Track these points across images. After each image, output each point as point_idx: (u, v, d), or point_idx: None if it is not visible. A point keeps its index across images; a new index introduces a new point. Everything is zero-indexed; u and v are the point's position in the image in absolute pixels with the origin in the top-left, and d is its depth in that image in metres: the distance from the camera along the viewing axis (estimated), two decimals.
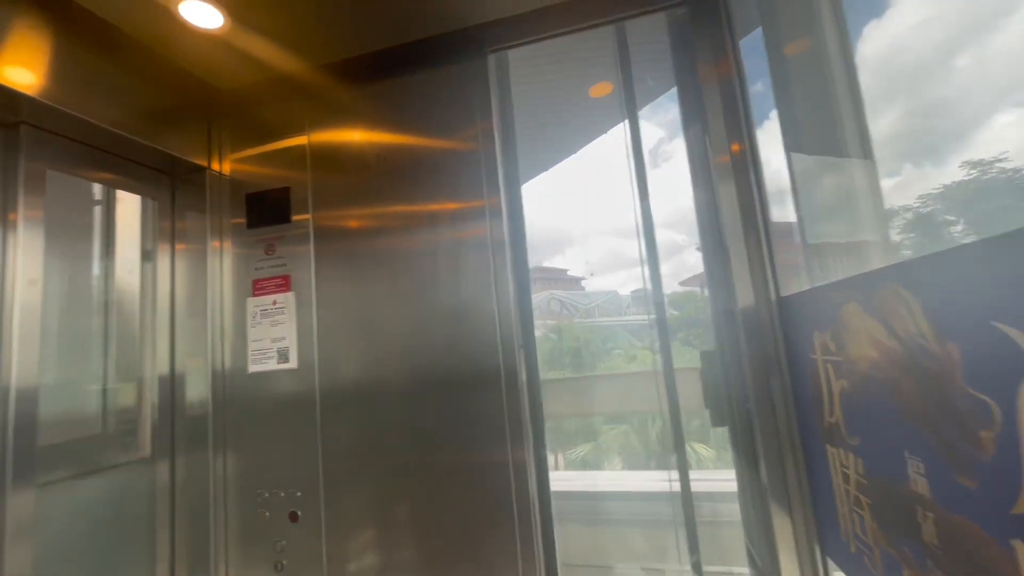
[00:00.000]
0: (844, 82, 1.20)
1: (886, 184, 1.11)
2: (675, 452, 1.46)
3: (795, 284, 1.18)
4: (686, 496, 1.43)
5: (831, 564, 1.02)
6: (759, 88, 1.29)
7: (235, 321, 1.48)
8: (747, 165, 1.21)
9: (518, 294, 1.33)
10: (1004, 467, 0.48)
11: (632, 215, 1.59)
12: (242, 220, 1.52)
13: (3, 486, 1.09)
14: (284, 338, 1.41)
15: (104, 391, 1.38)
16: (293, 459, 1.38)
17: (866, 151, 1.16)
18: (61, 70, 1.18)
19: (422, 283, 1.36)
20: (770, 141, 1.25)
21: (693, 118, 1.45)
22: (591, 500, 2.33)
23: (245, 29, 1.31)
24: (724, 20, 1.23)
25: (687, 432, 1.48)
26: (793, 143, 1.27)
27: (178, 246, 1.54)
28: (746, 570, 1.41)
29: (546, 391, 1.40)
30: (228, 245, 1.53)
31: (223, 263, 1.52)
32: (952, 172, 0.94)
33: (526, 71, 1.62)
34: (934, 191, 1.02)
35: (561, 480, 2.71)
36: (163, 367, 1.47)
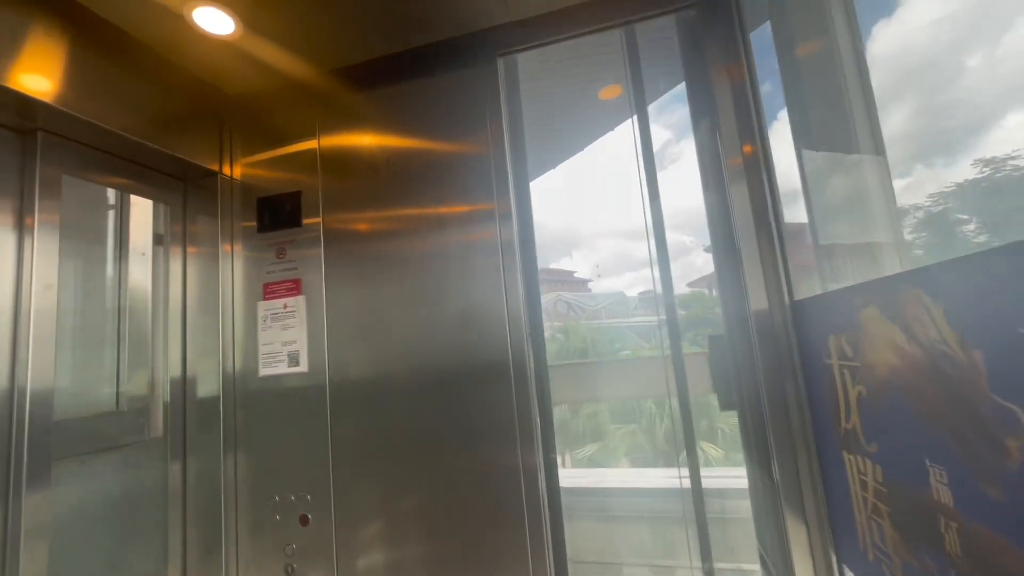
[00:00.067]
0: (856, 81, 1.19)
1: (898, 184, 1.10)
2: (686, 447, 1.45)
3: (806, 284, 1.17)
4: (696, 492, 1.42)
5: (847, 572, 1.00)
6: (767, 88, 1.28)
7: (246, 324, 1.49)
8: (760, 167, 1.20)
9: (527, 296, 1.33)
10: None
11: (639, 217, 1.59)
12: (253, 224, 1.53)
13: (19, 491, 1.10)
14: (295, 341, 1.42)
15: (117, 394, 1.39)
16: (304, 462, 1.38)
17: (878, 150, 1.15)
18: (76, 77, 1.19)
19: (432, 286, 1.36)
20: (778, 141, 1.24)
21: (704, 119, 1.44)
22: (600, 496, 2.33)
23: (256, 35, 1.32)
24: (736, 21, 1.22)
25: (684, 434, 1.46)
26: (803, 143, 1.26)
27: (190, 250, 1.55)
28: (755, 567, 1.40)
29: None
30: (239, 249, 1.54)
31: (234, 267, 1.53)
32: (964, 170, 0.92)
33: (535, 73, 1.62)
34: (946, 190, 1.00)
35: (570, 477, 2.70)
36: (175, 370, 1.48)
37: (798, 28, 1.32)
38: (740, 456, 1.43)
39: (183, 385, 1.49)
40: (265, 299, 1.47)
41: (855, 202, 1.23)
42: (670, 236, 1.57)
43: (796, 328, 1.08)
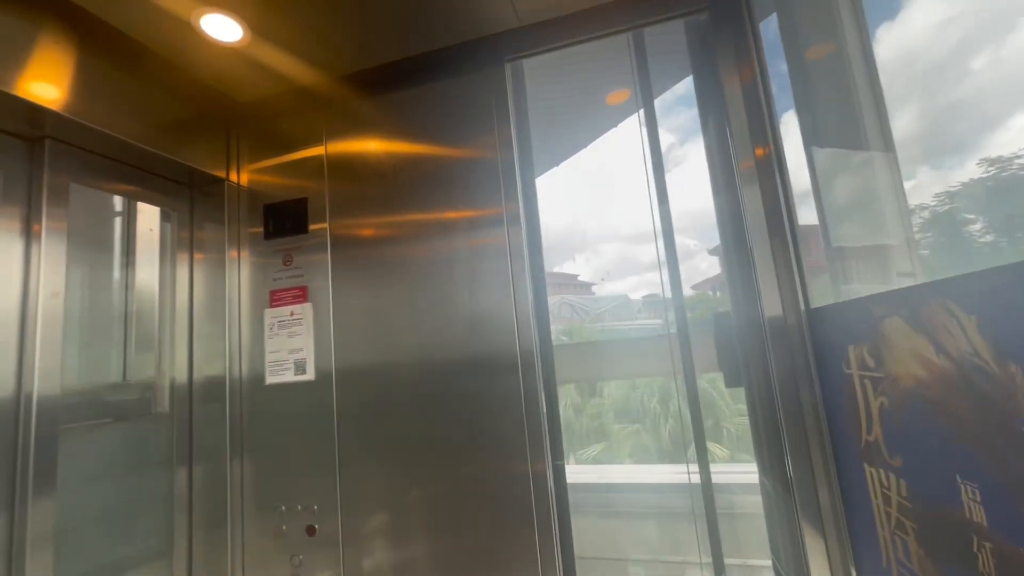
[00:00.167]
0: (865, 83, 1.17)
1: (907, 185, 1.08)
2: (695, 443, 1.43)
3: (818, 286, 1.14)
4: (707, 487, 1.39)
5: None
6: (774, 88, 1.27)
7: (253, 331, 1.48)
8: (773, 170, 1.18)
9: (536, 301, 1.31)
10: None
11: (644, 221, 1.58)
12: (260, 230, 1.52)
13: (25, 498, 1.09)
14: (301, 349, 1.41)
15: (124, 401, 1.38)
16: (310, 472, 1.37)
17: (889, 155, 1.14)
18: (84, 84, 1.19)
19: (440, 291, 1.35)
20: (786, 141, 1.23)
21: (713, 122, 1.42)
22: (607, 492, 2.31)
23: (264, 41, 1.32)
24: (748, 25, 1.20)
25: (690, 431, 1.45)
26: (813, 143, 1.25)
27: (196, 256, 1.54)
28: (762, 562, 1.37)
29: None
30: (246, 255, 1.53)
31: (241, 273, 1.52)
32: (970, 170, 0.91)
33: (543, 78, 1.61)
34: (951, 189, 0.99)
35: (577, 473, 2.69)
36: (182, 377, 1.47)
37: (805, 29, 1.31)
38: (745, 455, 1.41)
39: (189, 392, 1.48)
40: (272, 306, 1.46)
41: (866, 203, 1.21)
42: (664, 240, 1.56)
43: (812, 336, 1.06)
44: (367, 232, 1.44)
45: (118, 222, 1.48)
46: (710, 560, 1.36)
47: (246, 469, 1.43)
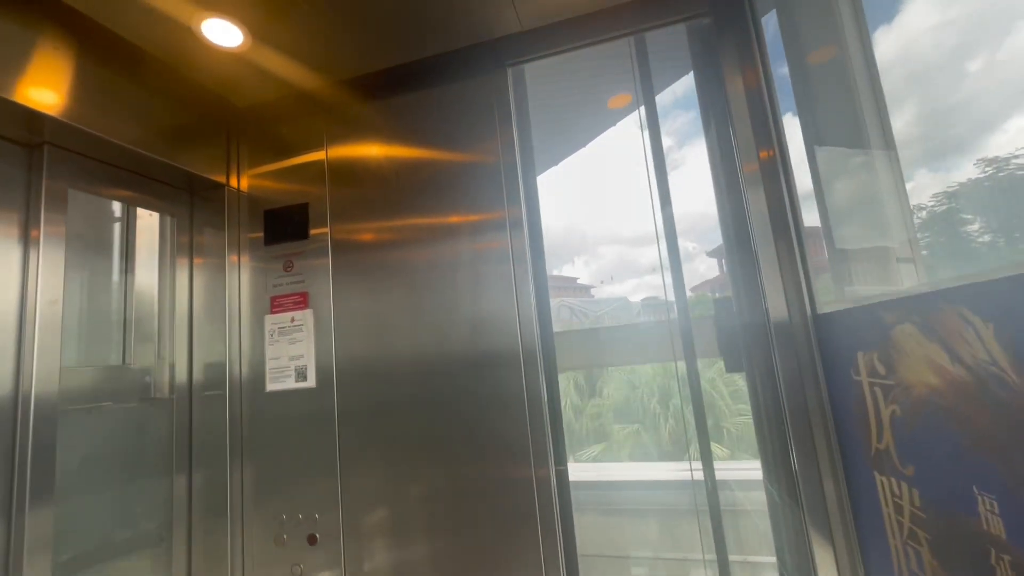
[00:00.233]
0: (866, 84, 1.17)
1: (908, 186, 1.08)
2: (699, 443, 1.42)
3: (820, 287, 1.13)
4: (711, 484, 1.38)
5: None
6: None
7: (253, 338, 1.47)
8: (777, 173, 1.18)
9: (539, 305, 1.30)
10: None
11: (644, 224, 1.58)
12: (260, 235, 1.51)
13: (23, 506, 1.08)
14: (302, 356, 1.39)
15: (122, 408, 1.37)
16: (311, 480, 1.35)
17: (890, 151, 1.13)
18: (83, 90, 1.18)
19: (442, 296, 1.34)
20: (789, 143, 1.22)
21: (716, 125, 1.42)
22: (609, 490, 2.31)
23: (265, 46, 1.31)
24: (751, 28, 1.20)
25: (691, 430, 1.44)
26: (814, 145, 1.24)
27: (196, 260, 1.53)
28: (764, 559, 1.36)
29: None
30: (246, 260, 1.52)
31: (241, 279, 1.51)
32: (968, 171, 0.91)
33: (544, 82, 1.61)
34: (949, 189, 0.99)
35: (580, 471, 2.68)
36: (182, 384, 1.46)
37: (805, 30, 1.30)
38: (745, 455, 1.40)
39: (189, 399, 1.46)
40: (272, 312, 1.45)
41: (868, 204, 1.20)
42: (667, 243, 1.56)
43: (820, 341, 1.05)
44: (368, 237, 1.43)
45: (117, 227, 1.47)
46: (714, 557, 1.35)
47: (247, 476, 1.41)
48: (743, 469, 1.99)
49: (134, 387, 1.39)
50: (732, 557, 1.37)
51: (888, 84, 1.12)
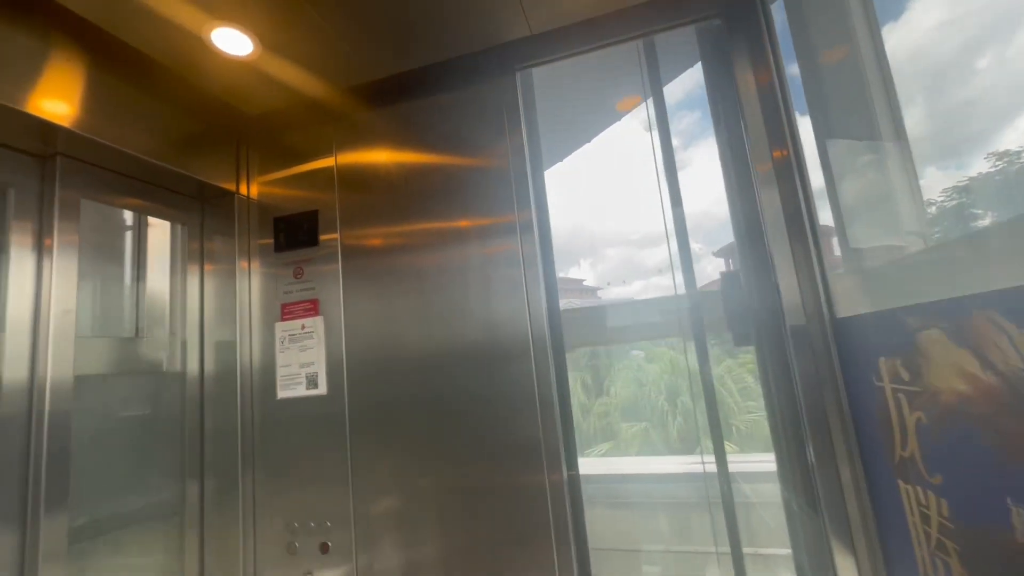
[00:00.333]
0: (878, 80, 1.15)
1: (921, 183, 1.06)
2: (710, 429, 1.41)
3: (837, 287, 1.11)
4: (723, 477, 1.37)
5: None
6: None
7: (263, 344, 1.47)
8: (792, 172, 1.16)
9: (549, 309, 1.29)
10: None
11: (652, 225, 1.57)
12: (270, 242, 1.51)
13: (37, 515, 1.08)
14: (313, 363, 1.39)
15: (135, 416, 1.37)
16: (323, 488, 1.35)
17: (904, 153, 1.11)
18: (95, 101, 1.19)
19: (452, 300, 1.33)
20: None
21: (727, 126, 1.40)
22: (621, 483, 2.31)
23: (274, 54, 1.31)
24: (764, 29, 1.18)
25: (703, 427, 1.43)
26: (826, 145, 1.22)
27: (207, 268, 1.54)
28: (777, 551, 1.34)
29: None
30: (256, 267, 1.52)
31: (251, 286, 1.51)
32: (979, 165, 0.89)
33: (553, 85, 1.60)
34: (959, 184, 0.97)
35: (590, 466, 2.68)
36: (193, 392, 1.46)
37: (815, 28, 1.29)
38: (754, 451, 1.39)
39: (200, 406, 1.46)
40: (283, 320, 1.45)
41: (881, 202, 1.18)
42: (677, 242, 1.55)
43: (839, 347, 1.03)
44: (378, 243, 1.42)
45: (129, 235, 1.47)
46: (728, 550, 1.34)
47: (258, 484, 1.41)
48: (755, 462, 1.98)
49: (145, 394, 1.39)
50: (746, 550, 1.36)
51: (898, 80, 1.10)
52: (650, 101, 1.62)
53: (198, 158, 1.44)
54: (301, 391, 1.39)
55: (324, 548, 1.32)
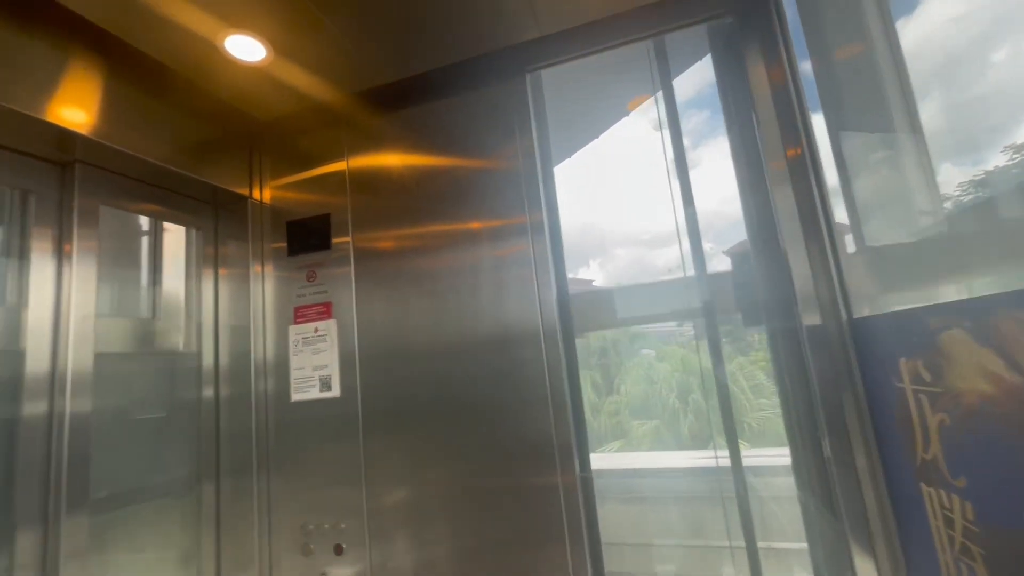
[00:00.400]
0: (892, 76, 1.13)
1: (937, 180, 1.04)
2: (723, 424, 1.40)
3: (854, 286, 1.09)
4: (737, 471, 1.36)
5: None
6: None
7: (277, 347, 1.48)
8: (806, 170, 1.14)
9: (561, 310, 1.29)
10: None
11: (661, 225, 1.57)
12: (283, 245, 1.53)
13: (58, 518, 1.10)
14: (326, 365, 1.40)
15: (153, 419, 1.39)
16: (337, 490, 1.35)
17: (920, 148, 1.09)
18: (112, 108, 1.20)
19: (464, 301, 1.34)
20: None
21: (739, 124, 1.39)
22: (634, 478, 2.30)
23: (286, 60, 1.32)
24: (777, 26, 1.17)
25: (713, 425, 1.42)
26: (840, 141, 1.20)
27: (221, 272, 1.56)
28: (791, 545, 1.31)
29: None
30: (270, 271, 1.54)
31: (265, 290, 1.53)
32: (996, 159, 0.88)
33: (563, 86, 1.59)
34: (975, 177, 0.95)
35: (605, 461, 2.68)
36: (208, 394, 1.48)
37: (828, 24, 1.27)
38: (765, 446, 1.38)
39: (216, 410, 1.48)
40: (296, 323, 1.46)
41: (897, 200, 1.16)
42: (690, 242, 1.55)
43: (857, 347, 1.02)
44: (390, 245, 1.43)
45: (145, 241, 1.49)
46: (743, 544, 1.32)
47: (273, 486, 1.42)
48: (768, 456, 1.97)
49: (158, 397, 1.41)
50: (760, 544, 1.35)
51: (913, 75, 1.09)
52: (661, 100, 1.61)
53: (212, 164, 1.45)
54: (315, 393, 1.40)
55: (338, 549, 1.33)
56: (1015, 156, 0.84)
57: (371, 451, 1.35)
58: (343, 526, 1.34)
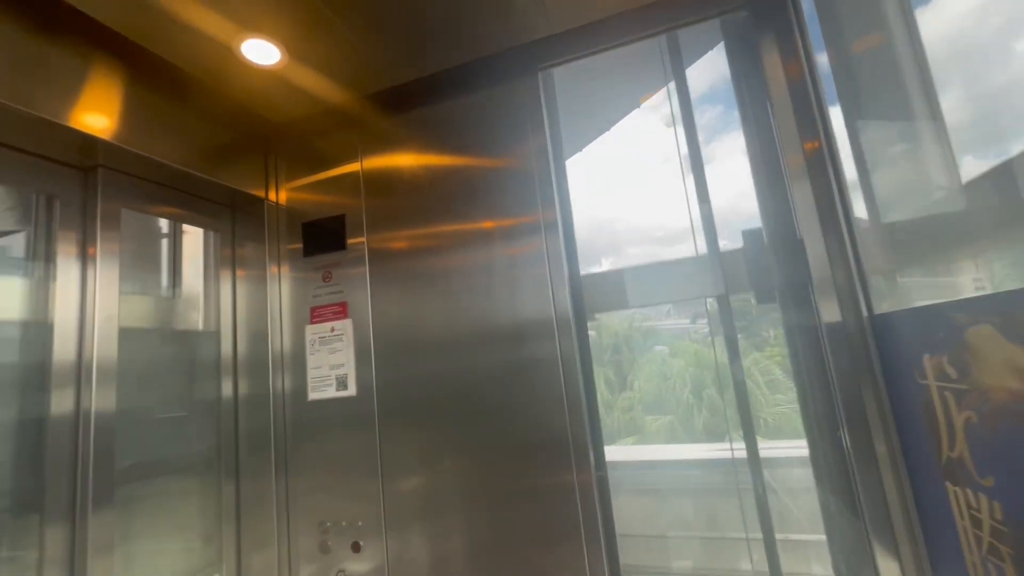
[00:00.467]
0: (912, 68, 1.11)
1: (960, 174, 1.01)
2: (740, 417, 1.39)
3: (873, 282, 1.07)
4: (754, 463, 1.34)
5: None
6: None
7: (294, 347, 1.50)
8: (825, 165, 1.13)
9: (575, 307, 1.29)
10: None
11: (675, 222, 1.55)
12: (299, 246, 1.55)
13: (85, 513, 1.13)
14: (343, 365, 1.42)
15: (174, 418, 1.42)
16: (355, 488, 1.37)
17: (942, 141, 1.06)
18: (132, 114, 1.23)
19: (478, 300, 1.34)
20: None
21: (755, 119, 1.37)
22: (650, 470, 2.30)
23: (301, 63, 1.34)
24: (793, 19, 1.15)
25: (729, 419, 1.40)
26: (859, 133, 1.18)
27: (239, 273, 1.58)
28: (809, 536, 1.30)
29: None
30: (286, 271, 1.56)
31: (282, 290, 1.55)
32: (1019, 149, 0.85)
33: (576, 83, 1.59)
34: (999, 169, 0.93)
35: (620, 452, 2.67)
36: (227, 393, 1.50)
37: (844, 15, 1.25)
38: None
39: (235, 408, 1.51)
40: (312, 323, 1.48)
41: (918, 191, 1.14)
42: (705, 238, 1.54)
43: (878, 344, 1.00)
44: (404, 245, 1.44)
45: (164, 243, 1.52)
46: (760, 536, 1.31)
47: (291, 484, 1.44)
48: (784, 448, 1.95)
49: (177, 392, 1.43)
50: (778, 536, 1.34)
51: (933, 66, 1.06)
52: (674, 97, 1.60)
53: (229, 166, 1.48)
54: (331, 392, 1.42)
55: (356, 547, 1.34)
56: None
57: (387, 448, 1.36)
58: (360, 523, 1.35)
